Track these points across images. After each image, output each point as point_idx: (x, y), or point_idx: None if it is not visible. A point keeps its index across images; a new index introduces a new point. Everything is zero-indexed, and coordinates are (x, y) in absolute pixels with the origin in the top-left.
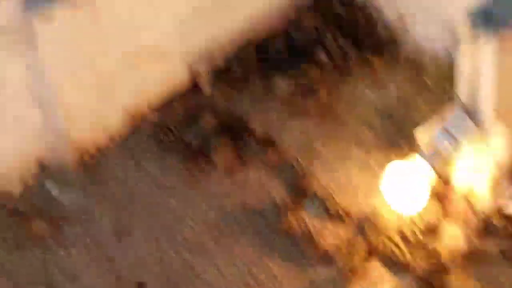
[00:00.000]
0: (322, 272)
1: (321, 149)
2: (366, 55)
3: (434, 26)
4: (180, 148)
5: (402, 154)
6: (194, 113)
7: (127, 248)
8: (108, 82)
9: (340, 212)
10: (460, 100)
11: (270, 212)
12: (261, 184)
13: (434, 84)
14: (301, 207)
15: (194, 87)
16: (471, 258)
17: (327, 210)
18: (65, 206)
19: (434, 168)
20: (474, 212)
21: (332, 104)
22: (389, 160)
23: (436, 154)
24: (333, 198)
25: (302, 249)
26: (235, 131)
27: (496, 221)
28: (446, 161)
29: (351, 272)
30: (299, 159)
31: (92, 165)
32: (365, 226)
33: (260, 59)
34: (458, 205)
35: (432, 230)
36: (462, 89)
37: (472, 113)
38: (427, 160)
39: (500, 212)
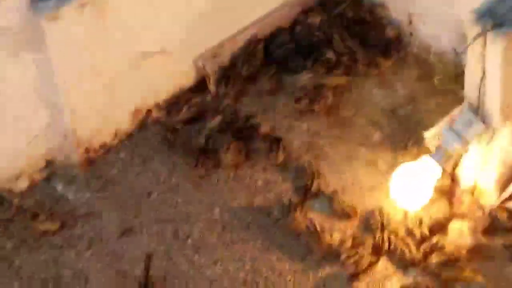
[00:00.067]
0: (328, 269)
1: (328, 148)
2: (373, 55)
3: (441, 26)
4: (186, 147)
5: (409, 154)
6: (201, 112)
7: (133, 245)
8: (115, 81)
9: (347, 210)
10: (468, 99)
11: (276, 210)
12: (267, 183)
13: (442, 84)
14: (307, 205)
15: (201, 86)
16: (478, 254)
17: (333, 208)
18: (71, 204)
19: (442, 167)
20: (481, 209)
21: (339, 104)
22: (396, 160)
23: (444, 154)
24: (340, 197)
25: (308, 246)
26: (241, 130)
27: (502, 218)
28: (454, 161)
29: (357, 269)
30: (306, 159)
31: (99, 164)
32: (371, 222)
33: (267, 58)
34: (464, 202)
35: (438, 227)
36: (469, 89)
37: (479, 113)
38: (436, 160)
39: (506, 209)
